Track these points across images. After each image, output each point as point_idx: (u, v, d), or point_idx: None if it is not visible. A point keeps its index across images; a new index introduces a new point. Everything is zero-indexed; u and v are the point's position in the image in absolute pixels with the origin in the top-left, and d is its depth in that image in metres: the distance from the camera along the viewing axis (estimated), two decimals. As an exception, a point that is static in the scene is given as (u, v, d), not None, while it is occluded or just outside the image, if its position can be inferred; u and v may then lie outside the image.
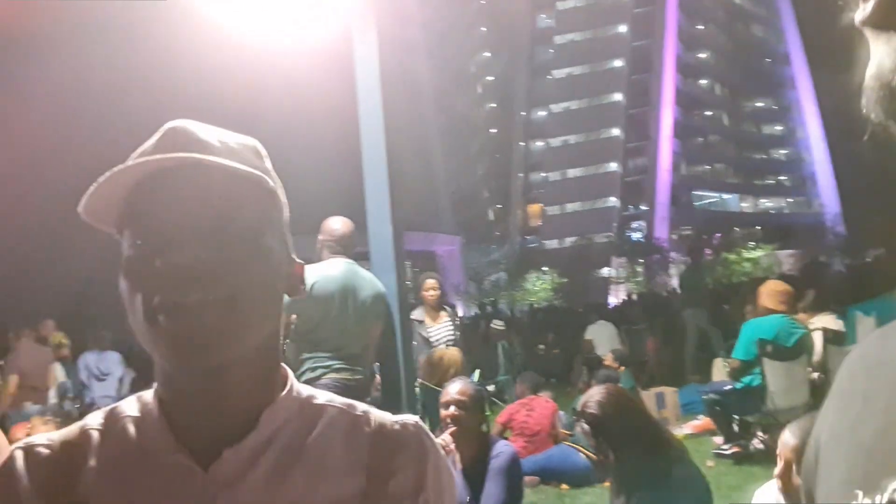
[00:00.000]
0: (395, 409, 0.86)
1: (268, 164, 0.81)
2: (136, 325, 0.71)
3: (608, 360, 8.53)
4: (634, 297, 21.69)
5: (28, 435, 3.56)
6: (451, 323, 5.95)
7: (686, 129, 65.89)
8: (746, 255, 43.83)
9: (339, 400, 0.84)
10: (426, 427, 0.86)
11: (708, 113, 69.88)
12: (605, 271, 55.25)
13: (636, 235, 57.95)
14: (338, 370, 3.38)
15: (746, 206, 69.01)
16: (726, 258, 41.48)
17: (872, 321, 6.08)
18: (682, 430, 6.76)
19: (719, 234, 47.68)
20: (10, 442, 3.48)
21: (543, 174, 66.93)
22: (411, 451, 0.80)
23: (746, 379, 5.79)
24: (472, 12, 69.11)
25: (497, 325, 11.81)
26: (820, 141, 66.73)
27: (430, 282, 6.01)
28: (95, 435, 0.77)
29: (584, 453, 5.69)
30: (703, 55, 69.95)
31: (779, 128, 72.28)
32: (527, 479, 4.93)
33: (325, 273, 3.42)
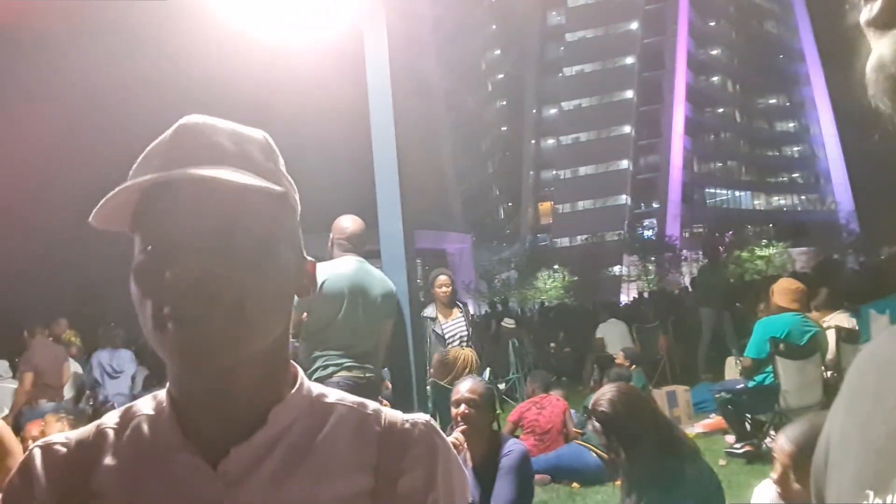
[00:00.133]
0: (406, 407, 0.86)
1: (279, 161, 0.81)
2: (146, 330, 0.72)
3: (619, 358, 8.50)
4: (646, 295, 21.60)
5: (42, 432, 3.60)
6: (463, 319, 5.92)
7: (698, 126, 65.57)
8: (759, 252, 43.65)
9: (350, 398, 0.84)
10: (437, 426, 0.85)
11: (720, 110, 69.51)
12: (616, 269, 55.12)
13: (648, 233, 57.80)
14: (349, 368, 3.39)
15: (759, 203, 68.65)
16: (739, 256, 41.28)
17: (886, 319, 6.03)
18: (693, 429, 6.73)
19: (731, 232, 47.44)
20: (25, 439, 3.52)
21: (554, 172, 66.79)
22: (421, 451, 0.80)
23: (759, 378, 5.75)
24: (483, 10, 69.05)
25: (508, 323, 11.80)
26: (833, 138, 66.24)
27: (442, 278, 5.98)
28: (111, 433, 0.78)
29: (596, 452, 5.68)
30: (714, 52, 69.58)
31: (792, 125, 71.81)
32: (537, 477, 4.93)
33: (335, 271, 3.42)
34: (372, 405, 0.84)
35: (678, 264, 48.06)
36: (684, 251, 50.50)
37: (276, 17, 3.39)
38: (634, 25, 65.86)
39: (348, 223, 3.62)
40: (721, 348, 9.67)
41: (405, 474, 0.78)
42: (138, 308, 0.72)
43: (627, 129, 64.74)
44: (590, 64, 66.33)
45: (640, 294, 23.64)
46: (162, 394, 0.79)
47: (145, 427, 0.77)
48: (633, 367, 8.09)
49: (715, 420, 6.91)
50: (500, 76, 71.93)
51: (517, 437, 5.92)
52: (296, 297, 0.81)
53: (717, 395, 6.25)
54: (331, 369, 3.37)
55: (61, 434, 0.80)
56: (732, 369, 7.62)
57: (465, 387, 3.27)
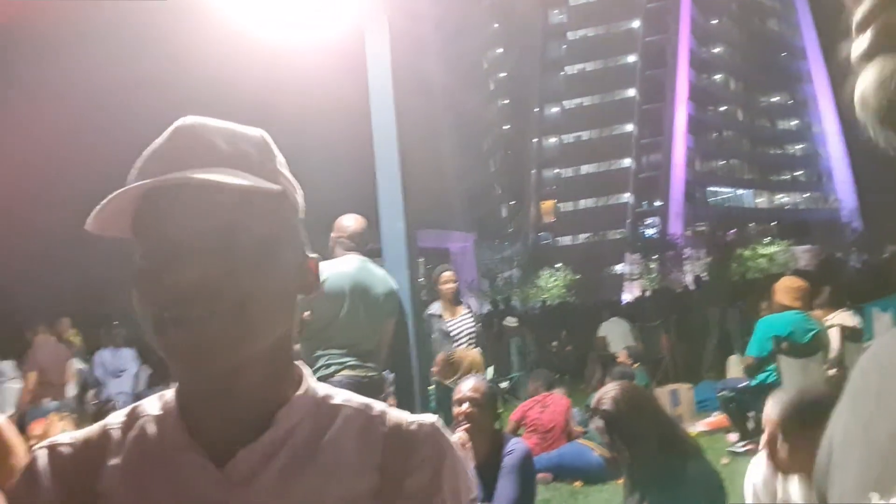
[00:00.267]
0: (409, 406, 0.85)
1: (278, 159, 0.80)
2: (148, 334, 0.72)
3: (622, 357, 8.50)
4: (648, 293, 21.58)
5: (45, 431, 3.61)
6: (470, 316, 5.89)
7: (700, 124, 65.46)
8: (762, 251, 43.56)
9: (357, 399, 0.84)
10: (443, 427, 0.85)
11: (722, 108, 69.38)
12: (618, 268, 55.09)
13: (650, 232, 57.74)
14: (352, 367, 3.39)
15: (761, 201, 68.53)
16: (741, 254, 41.21)
17: (889, 317, 6.03)
18: (696, 428, 6.73)
19: (734, 230, 47.38)
20: (28, 437, 3.53)
21: (556, 171, 66.73)
22: (427, 452, 0.80)
23: (762, 376, 5.75)
24: (484, 9, 68.98)
25: (510, 321, 11.80)
26: (836, 135, 66.06)
27: (447, 274, 5.92)
28: (116, 433, 0.78)
29: (598, 451, 5.68)
30: (717, 50, 69.46)
31: (794, 122, 71.67)
32: (540, 475, 4.93)
33: (337, 270, 3.42)
34: (378, 406, 0.84)
35: (680, 263, 47.98)
36: (687, 249, 50.44)
37: (278, 17, 3.39)
38: (636, 23, 65.76)
39: (350, 222, 3.62)
40: (725, 347, 9.67)
41: (411, 475, 0.78)
42: (139, 313, 0.72)
43: (630, 127, 64.66)
44: (592, 62, 66.25)
45: (643, 293, 23.60)
46: (169, 394, 0.80)
47: (151, 427, 0.77)
48: (636, 365, 8.10)
49: (717, 418, 6.92)
50: (502, 75, 71.87)
51: (520, 435, 5.92)
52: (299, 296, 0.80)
53: (719, 394, 6.26)
54: (333, 368, 3.37)
55: (66, 434, 0.80)
56: (736, 367, 7.62)
57: (467, 386, 3.27)
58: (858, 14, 0.44)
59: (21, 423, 5.31)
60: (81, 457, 0.77)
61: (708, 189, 66.08)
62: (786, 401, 1.97)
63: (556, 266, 49.39)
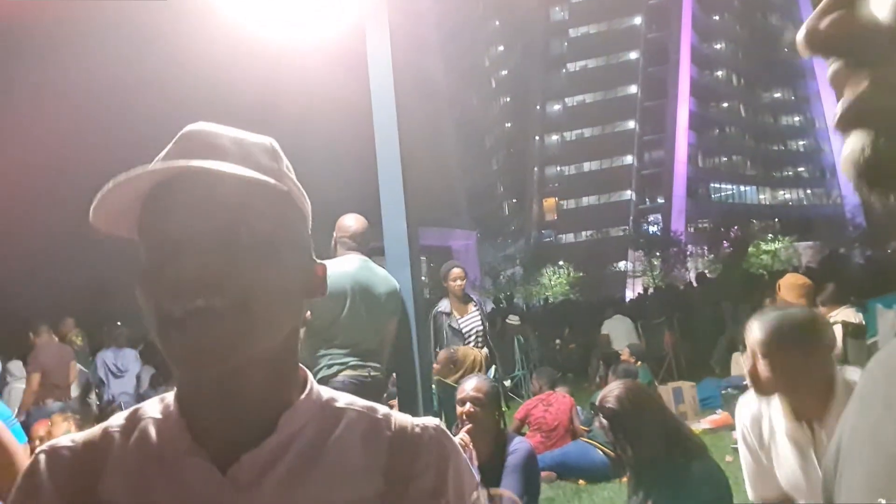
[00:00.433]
0: (411, 406, 0.85)
1: (284, 165, 0.80)
2: (153, 333, 0.71)
3: (625, 354, 8.49)
4: (651, 291, 21.57)
5: (49, 431, 3.61)
6: (479, 314, 5.86)
7: (702, 120, 65.38)
8: (765, 247, 43.53)
9: (360, 403, 0.83)
10: (447, 430, 0.85)
11: (724, 104, 69.28)
12: (621, 265, 55.11)
13: (653, 229, 57.72)
14: (353, 367, 3.38)
15: (764, 197, 68.44)
16: (744, 251, 41.20)
17: (893, 314, 6.00)
18: (699, 425, 6.72)
19: (737, 227, 47.35)
20: (32, 438, 3.53)
21: (559, 168, 66.72)
22: (432, 455, 0.80)
23: (766, 373, 5.72)
24: (485, 6, 68.93)
25: (512, 319, 11.78)
26: (839, 131, 65.84)
27: (457, 271, 5.87)
28: (117, 436, 0.78)
29: (602, 449, 5.67)
30: (719, 46, 69.35)
31: (797, 118, 71.54)
32: (543, 474, 4.93)
33: (338, 269, 3.42)
34: (382, 409, 0.84)
35: (684, 260, 47.98)
36: (689, 246, 50.42)
37: (279, 16, 3.38)
38: (638, 20, 65.69)
39: (351, 221, 3.61)
40: (730, 344, 9.65)
41: (415, 479, 0.78)
42: (145, 311, 0.72)
43: (632, 124, 64.63)
44: (593, 59, 66.22)
45: (646, 290, 23.61)
46: (170, 396, 0.79)
47: (153, 430, 0.77)
48: (639, 363, 8.08)
49: (721, 416, 6.90)
50: (504, 73, 71.84)
51: (523, 434, 5.92)
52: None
53: (723, 392, 6.24)
54: (335, 368, 3.36)
55: (67, 437, 0.79)
56: (739, 365, 7.60)
57: (470, 385, 3.27)
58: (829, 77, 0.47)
59: (26, 424, 5.32)
60: (82, 460, 0.76)
61: (710, 186, 66.02)
62: (766, 320, 1.96)
63: (559, 264, 49.41)
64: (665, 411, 2.80)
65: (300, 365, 0.82)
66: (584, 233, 61.84)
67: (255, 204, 0.72)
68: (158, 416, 0.78)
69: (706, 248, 50.25)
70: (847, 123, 0.46)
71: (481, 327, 5.78)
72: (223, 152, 0.74)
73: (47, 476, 0.75)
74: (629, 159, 64.13)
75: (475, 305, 5.92)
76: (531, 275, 48.50)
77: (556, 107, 67.85)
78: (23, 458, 1.80)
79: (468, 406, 3.19)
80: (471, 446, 3.10)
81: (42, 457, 0.77)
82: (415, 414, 0.87)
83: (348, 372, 3.36)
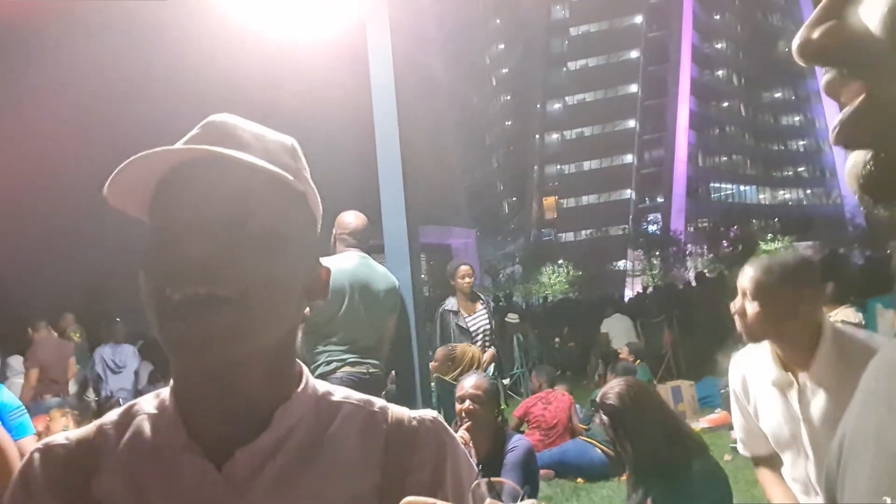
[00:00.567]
0: (410, 404, 0.85)
1: (302, 165, 0.80)
2: (151, 317, 0.71)
3: (624, 353, 8.49)
4: (651, 289, 21.56)
5: (47, 427, 3.61)
6: (486, 312, 5.82)
7: (703, 120, 65.36)
8: (764, 246, 43.52)
9: (357, 396, 0.83)
10: (444, 422, 0.85)
11: (725, 104, 69.24)
12: (620, 264, 55.12)
13: (652, 228, 57.71)
14: (352, 363, 3.38)
15: (764, 197, 68.43)
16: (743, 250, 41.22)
17: (892, 314, 6.00)
18: (698, 425, 6.72)
19: (736, 227, 47.35)
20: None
21: (559, 166, 66.70)
22: (429, 448, 0.80)
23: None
24: (487, 4, 68.87)
25: (511, 318, 11.78)
26: (839, 131, 65.78)
27: (465, 268, 5.82)
28: (112, 433, 0.78)
29: (601, 448, 5.67)
30: (719, 45, 69.29)
31: (797, 118, 71.51)
32: (542, 472, 4.93)
33: (337, 266, 3.41)
34: (378, 402, 0.83)
35: (683, 259, 48.00)
36: (689, 246, 50.42)
37: (280, 14, 3.38)
38: (639, 19, 65.65)
39: (351, 218, 3.61)
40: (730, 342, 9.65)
41: (413, 472, 0.78)
42: (145, 294, 0.71)
43: (632, 123, 64.60)
44: (594, 58, 66.18)
45: (645, 289, 23.61)
46: (165, 392, 0.78)
47: (148, 426, 0.76)
48: (638, 361, 8.08)
49: (720, 415, 6.90)
50: (505, 71, 71.79)
51: (522, 432, 5.92)
52: None
53: (723, 391, 6.23)
54: (334, 365, 3.36)
55: (61, 434, 0.79)
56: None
57: (469, 383, 3.27)
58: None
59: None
60: (76, 458, 0.76)
61: (710, 185, 66.01)
62: (758, 263, 1.98)
63: (559, 262, 49.42)
64: (666, 409, 2.80)
65: (297, 360, 0.81)
66: (583, 231, 61.85)
67: (268, 199, 0.72)
68: (154, 411, 0.77)
69: (706, 247, 50.28)
70: (844, 138, 0.46)
71: (489, 326, 5.73)
72: (244, 145, 0.74)
73: (41, 474, 0.75)
74: (629, 158, 64.11)
75: (483, 304, 5.87)
76: (530, 273, 48.52)
77: (557, 105, 67.82)
78: (14, 454, 1.80)
79: (467, 403, 3.19)
80: (470, 443, 3.10)
81: (36, 455, 0.77)
82: (413, 409, 0.86)
83: (347, 369, 3.36)
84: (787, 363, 1.96)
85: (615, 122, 64.87)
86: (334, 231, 3.63)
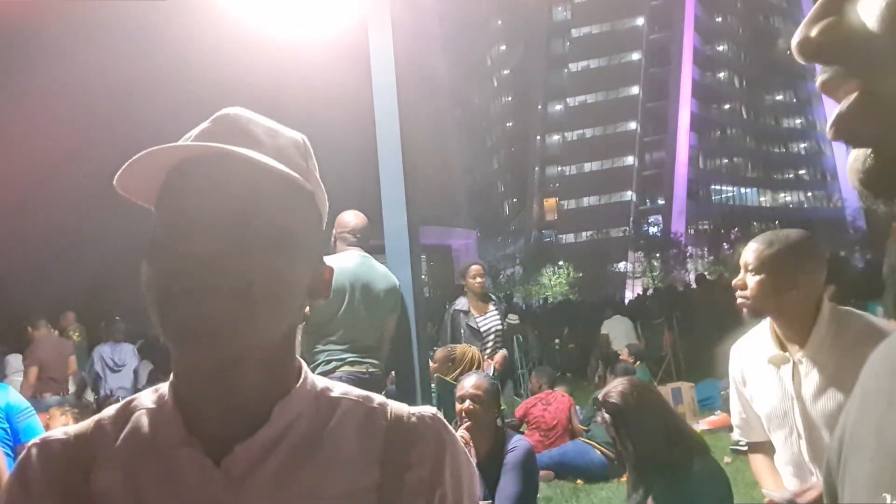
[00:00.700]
0: (410, 404, 0.85)
1: (312, 164, 0.80)
2: (151, 310, 0.71)
3: (623, 354, 8.49)
4: (651, 291, 21.56)
5: (46, 426, 3.61)
6: (498, 313, 5.78)
7: (704, 122, 65.35)
8: (765, 249, 43.43)
9: (356, 392, 0.83)
10: (444, 419, 0.85)
11: (726, 106, 69.22)
12: (621, 266, 55.11)
13: (653, 230, 57.71)
14: (351, 363, 3.38)
15: (765, 200, 68.41)
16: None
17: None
18: (698, 426, 6.71)
19: (737, 229, 47.31)
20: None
21: (559, 168, 66.69)
22: (428, 444, 0.80)
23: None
24: (488, 5, 68.91)
25: (511, 319, 11.77)
26: (840, 134, 65.73)
27: (476, 268, 5.79)
28: (110, 428, 0.77)
29: (600, 450, 5.67)
30: (721, 47, 69.27)
31: (798, 121, 71.48)
32: (541, 473, 4.93)
33: (339, 265, 3.41)
34: (378, 398, 0.83)
35: (683, 261, 47.99)
36: (689, 248, 50.42)
37: (281, 13, 3.38)
38: (640, 21, 65.63)
39: (351, 218, 3.62)
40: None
41: (412, 468, 0.78)
42: (147, 286, 0.71)
43: (633, 125, 64.58)
44: (595, 60, 66.17)
45: (645, 290, 23.60)
46: (164, 387, 0.78)
47: (146, 421, 0.76)
48: (638, 363, 8.08)
49: (720, 417, 6.90)
50: (506, 72, 71.79)
51: (522, 433, 5.92)
52: None
53: (723, 392, 6.23)
54: (333, 364, 3.36)
55: (59, 429, 0.79)
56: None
57: (469, 383, 3.26)
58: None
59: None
60: (74, 452, 0.76)
61: (711, 187, 65.99)
62: (760, 238, 2.00)
63: (559, 263, 49.41)
64: (668, 409, 2.80)
65: (296, 356, 0.81)
66: (584, 233, 61.82)
67: (276, 197, 0.72)
68: (152, 406, 0.77)
69: (706, 249, 50.29)
70: (840, 134, 0.47)
71: (500, 327, 5.70)
72: (256, 141, 0.74)
73: (39, 469, 0.75)
74: (630, 160, 64.09)
75: (495, 305, 5.84)
76: (531, 274, 48.52)
77: (558, 107, 67.80)
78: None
79: (467, 403, 3.18)
80: (470, 443, 3.10)
81: (34, 450, 0.76)
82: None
83: (346, 368, 3.36)
84: (784, 341, 1.98)
85: (616, 124, 64.84)
86: (334, 230, 3.63)
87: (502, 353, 5.67)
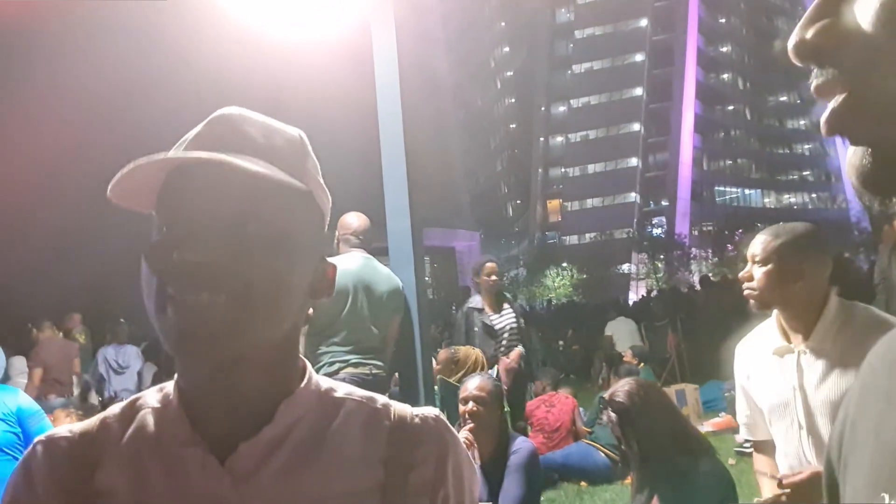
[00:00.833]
0: (413, 405, 0.85)
1: (308, 160, 0.80)
2: (150, 312, 0.71)
3: (627, 356, 8.47)
4: (655, 293, 21.53)
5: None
6: (512, 311, 5.73)
7: (707, 123, 65.30)
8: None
9: (359, 392, 0.83)
10: (447, 420, 0.85)
11: (730, 107, 69.15)
12: (625, 267, 55.04)
13: (657, 231, 57.64)
14: (355, 364, 3.38)
15: (769, 201, 68.27)
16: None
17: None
18: (703, 428, 6.69)
19: (741, 230, 47.23)
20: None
21: (563, 169, 66.67)
22: (431, 445, 0.80)
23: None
24: (492, 7, 68.98)
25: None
26: (845, 135, 65.67)
27: (491, 265, 5.70)
28: (115, 426, 0.78)
29: (604, 452, 5.66)
30: (725, 49, 69.22)
31: (802, 122, 71.34)
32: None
33: (341, 267, 3.40)
34: (381, 399, 0.84)
35: (687, 262, 47.93)
36: (693, 249, 50.35)
37: (283, 13, 3.38)
38: (644, 22, 65.61)
39: (353, 219, 3.62)
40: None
41: (415, 469, 0.78)
42: (145, 289, 0.71)
43: (637, 126, 64.53)
44: (599, 61, 66.15)
45: (649, 292, 23.57)
46: (169, 386, 0.79)
47: (151, 420, 0.77)
48: (642, 365, 8.07)
49: (724, 419, 6.89)
50: (509, 73, 71.83)
51: (526, 434, 5.91)
52: None
53: (727, 394, 6.21)
54: (337, 366, 3.36)
55: (64, 427, 0.79)
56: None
57: (473, 384, 3.26)
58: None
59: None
60: (79, 450, 0.76)
61: (715, 189, 65.92)
62: (769, 229, 2.03)
63: (563, 265, 49.35)
64: (674, 410, 2.79)
65: (300, 356, 0.82)
66: (587, 235, 61.78)
67: (271, 200, 0.72)
68: (157, 405, 0.78)
69: (710, 251, 50.20)
70: (832, 129, 0.47)
71: (516, 324, 5.63)
72: (251, 143, 0.74)
73: (44, 466, 0.75)
74: (634, 161, 64.04)
75: (509, 304, 5.79)
76: (535, 276, 48.48)
77: (561, 108, 67.80)
78: None
79: (471, 405, 3.18)
80: (474, 445, 3.09)
81: (39, 447, 0.76)
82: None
83: (349, 369, 3.36)
84: (790, 332, 1.99)
85: (620, 126, 64.80)
86: (337, 232, 3.64)
87: (518, 350, 5.57)
